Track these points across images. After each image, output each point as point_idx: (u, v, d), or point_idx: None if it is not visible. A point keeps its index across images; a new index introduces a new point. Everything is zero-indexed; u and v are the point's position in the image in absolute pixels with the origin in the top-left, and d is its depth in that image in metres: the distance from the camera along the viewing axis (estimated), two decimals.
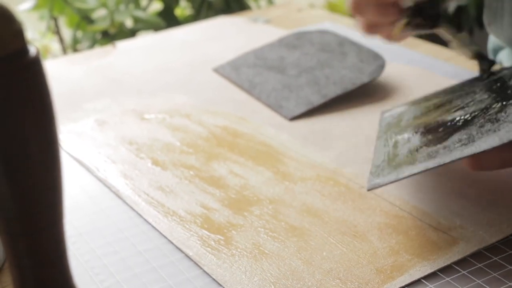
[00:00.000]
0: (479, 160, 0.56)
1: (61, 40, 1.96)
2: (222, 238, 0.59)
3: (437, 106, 0.68)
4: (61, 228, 0.42)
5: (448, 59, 0.93)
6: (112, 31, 1.83)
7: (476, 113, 0.60)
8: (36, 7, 1.83)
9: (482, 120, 0.58)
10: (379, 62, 0.87)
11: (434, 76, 0.87)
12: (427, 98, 0.73)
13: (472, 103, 0.64)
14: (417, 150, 0.60)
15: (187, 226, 0.61)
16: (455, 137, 0.58)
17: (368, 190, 0.59)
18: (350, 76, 0.86)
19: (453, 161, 0.55)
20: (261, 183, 0.67)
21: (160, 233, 0.61)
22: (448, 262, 0.54)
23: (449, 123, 0.61)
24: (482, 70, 0.72)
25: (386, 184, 0.58)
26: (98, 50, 1.12)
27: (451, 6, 0.70)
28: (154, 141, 0.77)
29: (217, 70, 0.96)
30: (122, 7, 1.82)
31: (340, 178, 0.67)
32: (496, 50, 0.96)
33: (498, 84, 0.65)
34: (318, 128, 0.78)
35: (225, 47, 1.04)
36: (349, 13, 0.74)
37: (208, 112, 0.84)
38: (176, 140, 0.77)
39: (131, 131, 0.80)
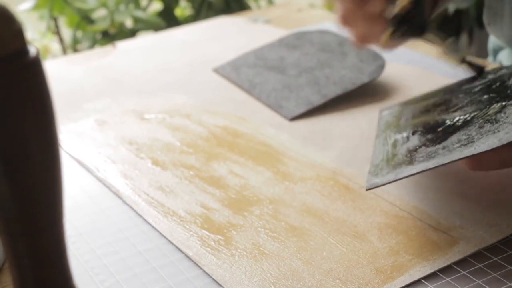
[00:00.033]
0: (478, 160, 0.56)
1: (61, 40, 1.96)
2: (222, 238, 0.59)
3: (436, 105, 0.68)
4: (61, 228, 0.42)
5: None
6: (112, 31, 1.83)
7: (475, 113, 0.60)
8: (36, 7, 1.83)
9: (481, 121, 0.58)
10: (379, 62, 0.87)
11: (434, 76, 0.87)
12: (425, 97, 0.73)
13: (471, 102, 0.64)
14: (416, 150, 0.60)
15: (187, 226, 0.61)
16: (454, 137, 0.58)
17: (367, 189, 0.59)
18: (350, 76, 0.86)
19: (452, 162, 0.55)
20: (261, 183, 0.67)
21: (160, 233, 0.61)
22: (448, 262, 0.54)
23: (448, 123, 0.61)
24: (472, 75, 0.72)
25: (385, 184, 0.58)
26: (98, 50, 1.12)
27: (450, 8, 0.70)
28: (154, 141, 0.77)
29: (217, 70, 0.96)
30: (122, 7, 1.82)
31: (340, 178, 0.67)
32: (496, 50, 0.96)
33: (497, 84, 0.65)
34: (318, 128, 0.78)
35: (225, 47, 1.04)
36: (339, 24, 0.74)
37: (208, 112, 0.84)
38: (176, 140, 0.77)
39: (131, 131, 0.80)
